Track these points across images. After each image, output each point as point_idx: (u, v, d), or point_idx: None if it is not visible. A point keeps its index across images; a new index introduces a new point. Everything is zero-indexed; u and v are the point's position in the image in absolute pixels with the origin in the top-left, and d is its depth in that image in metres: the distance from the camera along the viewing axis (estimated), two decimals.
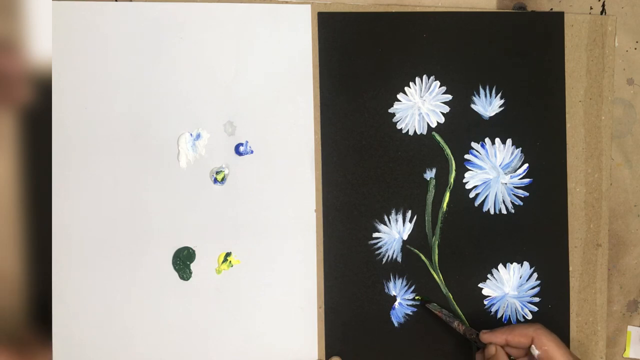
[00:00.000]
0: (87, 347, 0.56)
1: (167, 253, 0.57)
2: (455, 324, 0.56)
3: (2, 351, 0.41)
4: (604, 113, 0.60)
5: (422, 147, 0.59)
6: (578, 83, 0.60)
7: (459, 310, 0.59)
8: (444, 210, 0.59)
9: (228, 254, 0.57)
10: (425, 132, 0.59)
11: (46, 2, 0.45)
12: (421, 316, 0.59)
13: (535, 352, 0.51)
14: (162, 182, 0.57)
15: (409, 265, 0.59)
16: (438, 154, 0.59)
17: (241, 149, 0.57)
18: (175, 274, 0.57)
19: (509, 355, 0.53)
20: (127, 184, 0.56)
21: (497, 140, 0.59)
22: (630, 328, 0.61)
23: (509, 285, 0.59)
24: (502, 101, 0.59)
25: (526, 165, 0.59)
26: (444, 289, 0.59)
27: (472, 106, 0.59)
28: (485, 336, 0.53)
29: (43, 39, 0.44)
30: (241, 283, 0.57)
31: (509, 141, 0.59)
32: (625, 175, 0.61)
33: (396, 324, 0.58)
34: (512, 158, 0.59)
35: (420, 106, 0.59)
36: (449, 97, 0.59)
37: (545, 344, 0.51)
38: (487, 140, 0.59)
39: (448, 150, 0.59)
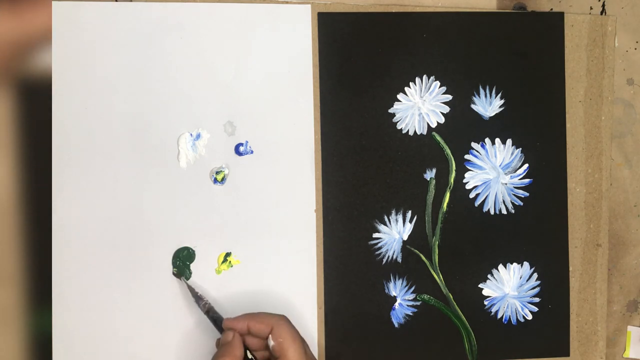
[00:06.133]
0: (87, 346, 0.56)
1: (167, 253, 0.57)
2: (201, 304, 0.54)
3: None
4: (604, 113, 0.60)
5: (422, 147, 0.59)
6: (578, 83, 0.60)
7: (459, 311, 0.59)
8: (444, 210, 0.59)
9: (228, 254, 0.57)
10: (425, 132, 0.59)
11: (46, 2, 0.45)
12: (421, 317, 0.59)
13: (271, 342, 0.48)
14: (162, 182, 0.57)
15: (409, 265, 0.59)
16: (438, 154, 0.59)
17: (241, 149, 0.57)
18: None
19: (248, 349, 0.50)
20: (127, 184, 0.56)
21: (497, 140, 0.59)
22: (630, 328, 0.61)
23: (509, 286, 0.59)
24: (502, 101, 0.59)
25: (526, 165, 0.59)
26: (444, 289, 0.59)
27: (472, 106, 0.59)
28: (227, 322, 0.50)
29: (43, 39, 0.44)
30: (241, 283, 0.57)
31: (509, 141, 0.59)
32: (625, 175, 0.61)
33: (396, 325, 0.58)
34: (512, 158, 0.59)
35: (420, 106, 0.59)
36: (449, 97, 0.59)
37: (281, 335, 0.48)
38: (487, 140, 0.59)
39: (448, 151, 0.59)
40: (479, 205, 0.59)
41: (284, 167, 0.58)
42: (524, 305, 0.59)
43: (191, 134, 0.57)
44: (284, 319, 0.50)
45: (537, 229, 0.59)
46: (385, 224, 0.58)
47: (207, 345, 0.57)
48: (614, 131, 0.60)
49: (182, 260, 0.57)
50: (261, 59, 0.57)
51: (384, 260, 0.58)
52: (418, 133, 0.59)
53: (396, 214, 0.59)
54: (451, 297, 0.59)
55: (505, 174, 0.59)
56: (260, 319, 0.49)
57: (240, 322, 0.50)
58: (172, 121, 0.57)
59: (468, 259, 0.59)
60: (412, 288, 0.59)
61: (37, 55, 0.43)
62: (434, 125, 0.59)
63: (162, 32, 0.57)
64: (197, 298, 0.55)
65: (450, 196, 0.59)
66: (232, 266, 0.57)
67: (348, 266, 0.58)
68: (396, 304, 0.58)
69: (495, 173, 0.59)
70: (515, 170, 0.59)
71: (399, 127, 0.58)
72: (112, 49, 0.56)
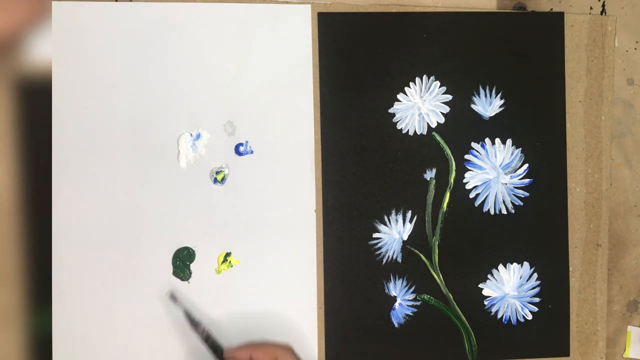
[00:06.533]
0: (87, 346, 0.56)
1: (167, 253, 0.57)
2: (200, 331, 0.53)
3: None
4: (604, 113, 0.60)
5: (422, 147, 0.59)
6: (578, 83, 0.60)
7: (459, 311, 0.59)
8: (444, 210, 0.59)
9: (228, 254, 0.57)
10: (425, 132, 0.59)
11: (46, 2, 0.45)
12: (421, 317, 0.59)
13: None
14: (162, 182, 0.57)
15: (409, 265, 0.59)
16: (438, 154, 0.59)
17: (241, 149, 0.57)
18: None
19: None
20: (127, 184, 0.56)
21: (497, 140, 0.59)
22: (630, 328, 0.61)
23: (509, 286, 0.59)
24: (502, 101, 0.59)
25: (526, 165, 0.59)
26: (444, 289, 0.59)
27: (472, 106, 0.59)
28: (228, 352, 0.48)
29: (43, 39, 0.44)
30: (241, 283, 0.57)
31: (509, 141, 0.59)
32: (625, 175, 0.61)
33: (396, 325, 0.58)
34: (512, 158, 0.59)
35: (420, 106, 0.59)
36: (449, 97, 0.59)
37: None
38: (487, 140, 0.59)
39: (448, 151, 0.59)
40: (479, 205, 0.59)
41: (284, 167, 0.58)
42: (524, 305, 0.59)
43: (191, 134, 0.57)
44: (288, 348, 0.48)
45: (537, 229, 0.59)
46: (385, 224, 0.58)
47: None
48: (614, 131, 0.60)
49: (182, 260, 0.57)
50: (261, 59, 0.57)
51: (384, 260, 0.58)
52: (418, 133, 0.59)
53: (396, 214, 0.59)
54: (451, 297, 0.59)
55: (505, 174, 0.59)
56: (264, 349, 0.48)
57: (242, 351, 0.48)
58: (172, 121, 0.57)
59: (468, 259, 0.59)
60: (412, 288, 0.59)
61: (37, 55, 0.43)
62: (434, 125, 0.59)
63: (162, 32, 0.57)
64: (195, 324, 0.53)
65: (450, 196, 0.59)
66: (232, 266, 0.57)
67: (348, 266, 0.58)
68: (396, 304, 0.58)
69: (495, 173, 0.59)
70: (515, 170, 0.59)
71: (399, 127, 0.58)
72: (112, 49, 0.56)
